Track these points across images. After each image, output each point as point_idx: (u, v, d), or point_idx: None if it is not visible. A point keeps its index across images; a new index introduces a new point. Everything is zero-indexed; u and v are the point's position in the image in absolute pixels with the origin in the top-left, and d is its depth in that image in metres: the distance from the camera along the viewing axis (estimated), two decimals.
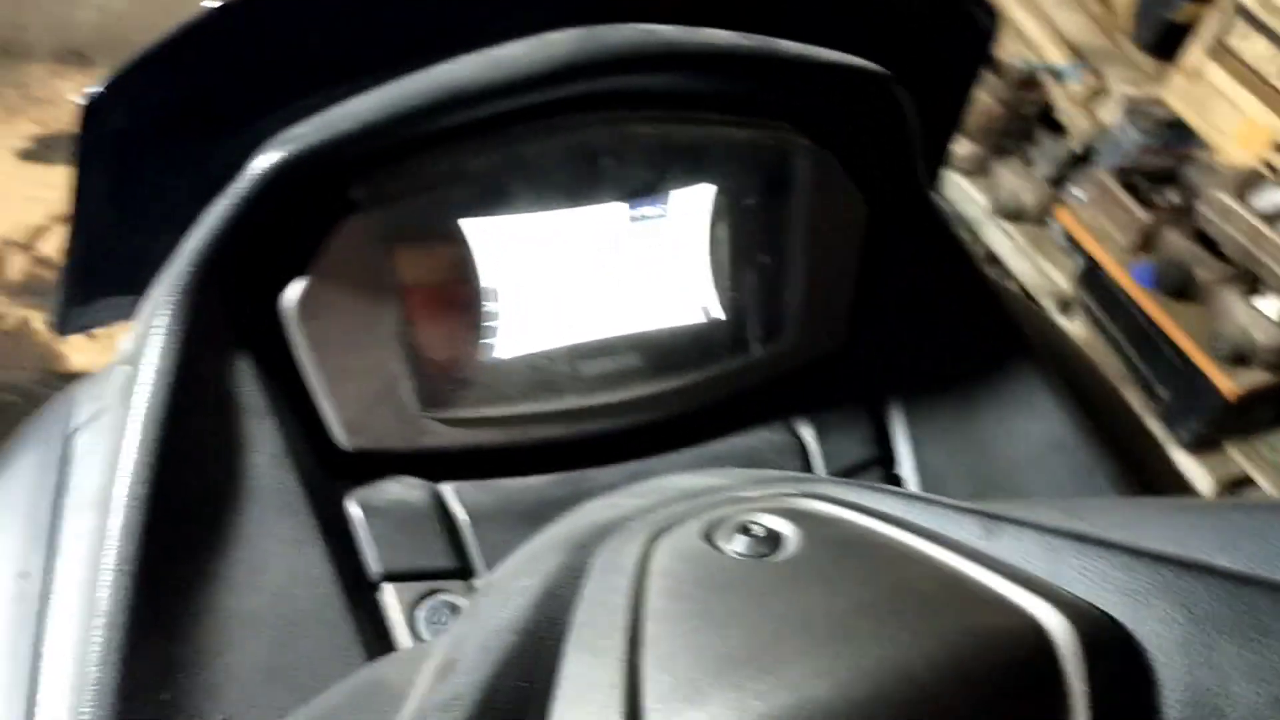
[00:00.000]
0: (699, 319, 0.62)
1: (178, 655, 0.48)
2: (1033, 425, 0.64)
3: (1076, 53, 2.37)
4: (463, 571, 0.56)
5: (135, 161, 0.56)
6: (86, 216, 0.58)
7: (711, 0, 0.58)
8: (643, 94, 0.57)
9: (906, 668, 0.31)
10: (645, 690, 0.31)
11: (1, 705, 0.51)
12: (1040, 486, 0.63)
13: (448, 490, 0.58)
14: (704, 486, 0.49)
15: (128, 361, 0.55)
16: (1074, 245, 2.16)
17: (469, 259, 0.56)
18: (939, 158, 0.73)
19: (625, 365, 0.61)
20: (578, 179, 0.57)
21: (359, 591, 0.53)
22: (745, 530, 0.39)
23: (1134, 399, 1.90)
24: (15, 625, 0.53)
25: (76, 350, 2.25)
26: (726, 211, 0.60)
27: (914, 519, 0.41)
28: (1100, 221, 2.07)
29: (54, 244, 2.43)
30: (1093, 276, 2.09)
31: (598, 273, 0.59)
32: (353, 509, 0.56)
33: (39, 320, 2.27)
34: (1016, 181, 2.32)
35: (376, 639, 0.52)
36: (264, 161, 0.51)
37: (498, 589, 0.42)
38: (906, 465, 0.64)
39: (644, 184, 0.58)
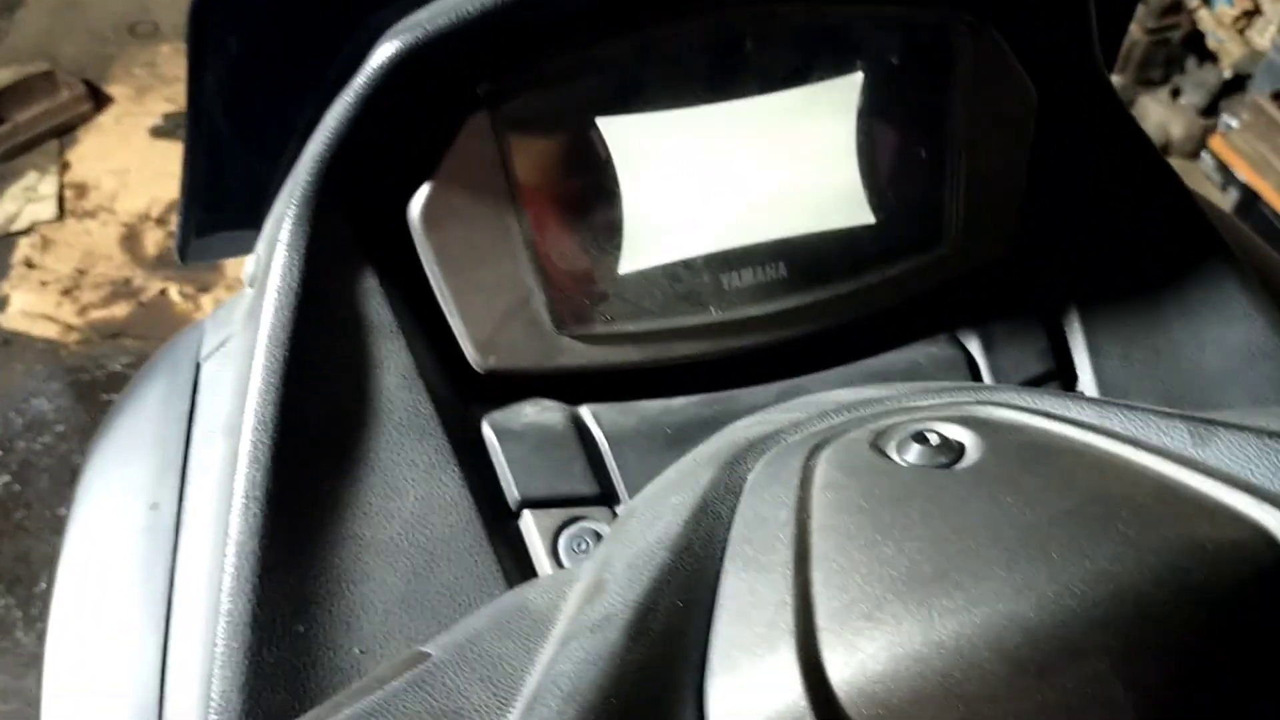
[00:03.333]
0: (850, 222, 0.57)
1: (311, 586, 0.46)
2: (1229, 332, 0.58)
3: None
4: (605, 498, 0.53)
5: (249, 67, 0.54)
6: (203, 132, 0.56)
7: None
8: None
9: (1121, 582, 0.27)
10: (818, 607, 0.28)
11: (138, 641, 0.51)
12: (1238, 400, 0.57)
13: (586, 413, 0.55)
14: (865, 399, 0.45)
15: (253, 282, 0.53)
16: (1229, 176, 2.06)
17: (601, 161, 0.53)
18: (1116, 40, 0.67)
19: (771, 275, 0.56)
20: (718, 69, 0.52)
21: (498, 519, 0.51)
22: (920, 439, 0.35)
23: None
24: (148, 559, 0.53)
25: None
26: (879, 102, 0.55)
27: (1111, 426, 0.37)
28: (1258, 149, 1.96)
29: None
30: (1251, 207, 2.00)
31: (739, 173, 0.55)
32: (488, 433, 0.54)
33: (176, 292, 2.35)
34: (1164, 113, 2.21)
35: (517, 568, 0.50)
36: (383, 53, 0.48)
37: (647, 507, 0.39)
38: (1086, 379, 0.58)
39: (790, 73, 0.53)
